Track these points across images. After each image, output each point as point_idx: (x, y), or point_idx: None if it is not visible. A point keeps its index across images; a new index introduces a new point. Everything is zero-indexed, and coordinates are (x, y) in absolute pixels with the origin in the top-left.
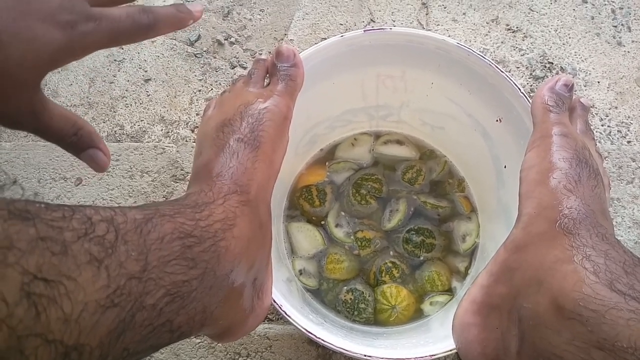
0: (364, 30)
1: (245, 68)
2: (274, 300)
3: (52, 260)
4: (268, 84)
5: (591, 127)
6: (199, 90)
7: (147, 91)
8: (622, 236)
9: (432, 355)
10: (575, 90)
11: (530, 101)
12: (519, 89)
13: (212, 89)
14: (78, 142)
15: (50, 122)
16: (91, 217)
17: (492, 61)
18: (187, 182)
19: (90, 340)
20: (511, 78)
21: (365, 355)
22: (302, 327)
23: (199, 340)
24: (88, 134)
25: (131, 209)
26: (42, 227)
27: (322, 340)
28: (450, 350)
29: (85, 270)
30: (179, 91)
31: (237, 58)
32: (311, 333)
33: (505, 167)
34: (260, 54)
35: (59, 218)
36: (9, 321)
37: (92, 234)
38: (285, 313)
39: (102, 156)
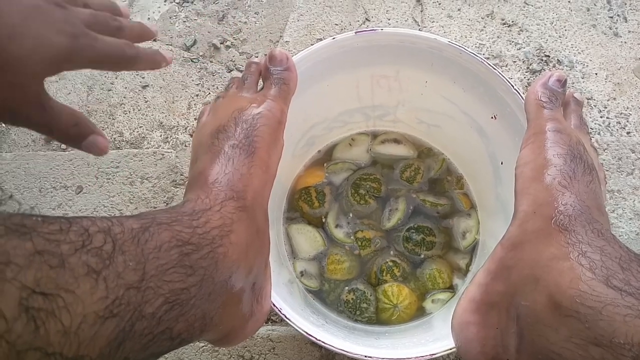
0: (356, 32)
1: (242, 71)
2: (274, 304)
3: (49, 273)
4: (261, 89)
5: (585, 121)
6: (197, 95)
7: (145, 97)
8: (623, 228)
9: (432, 354)
10: (573, 84)
11: (524, 97)
12: (512, 85)
13: (209, 93)
14: (79, 131)
15: (55, 115)
16: (88, 229)
17: (484, 59)
18: None
19: (90, 351)
20: (504, 75)
21: (365, 356)
22: (302, 329)
23: (202, 344)
24: (85, 123)
25: (128, 218)
26: (39, 240)
27: (323, 342)
28: (451, 349)
29: (83, 282)
30: (177, 96)
31: (234, 61)
32: (311, 335)
33: (502, 163)
34: (256, 57)
35: (55, 231)
36: (8, 336)
37: (90, 245)
38: (285, 316)
39: (102, 140)
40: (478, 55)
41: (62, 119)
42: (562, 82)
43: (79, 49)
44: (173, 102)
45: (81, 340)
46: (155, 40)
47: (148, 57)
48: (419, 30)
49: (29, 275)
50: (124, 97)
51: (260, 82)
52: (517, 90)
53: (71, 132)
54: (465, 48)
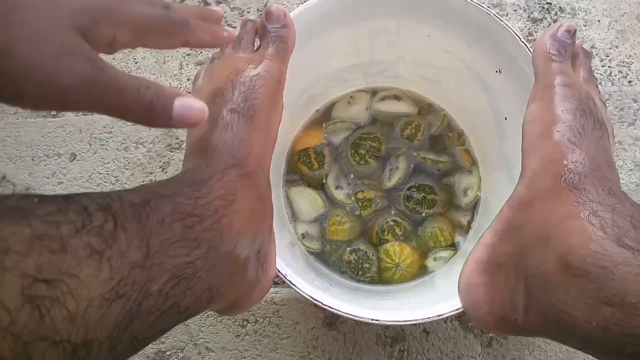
0: None
1: (234, 27)
2: (279, 270)
3: (51, 258)
4: (258, 47)
5: (594, 73)
6: (188, 55)
7: (135, 59)
8: (623, 179)
9: (439, 315)
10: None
11: (531, 50)
12: (520, 38)
13: (201, 52)
14: (160, 95)
15: (116, 72)
16: (87, 207)
17: (490, 10)
18: (183, 151)
19: (98, 334)
20: (511, 27)
21: (372, 320)
22: (308, 295)
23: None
24: (163, 87)
25: (127, 192)
26: (38, 224)
27: (329, 307)
28: (457, 310)
29: (86, 265)
30: (168, 57)
31: (225, 18)
32: (317, 300)
33: (505, 118)
34: (249, 13)
35: (54, 211)
36: (13, 328)
37: (90, 225)
38: (291, 282)
39: (196, 101)
40: (483, 5)
41: (131, 83)
42: (572, 33)
43: (112, 7)
44: (164, 63)
45: (88, 324)
46: None
47: (205, 26)
48: None
49: (30, 262)
50: (113, 59)
51: (257, 41)
52: (524, 43)
53: (148, 99)
54: None
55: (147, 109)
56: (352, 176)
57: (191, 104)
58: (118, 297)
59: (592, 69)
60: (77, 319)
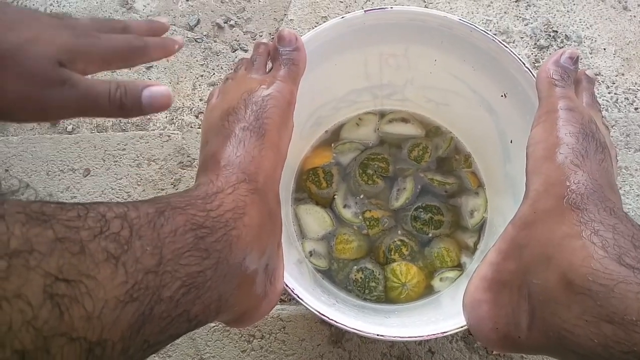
0: (365, 11)
1: (246, 51)
2: (286, 284)
3: (71, 260)
4: (270, 69)
5: (597, 98)
6: (201, 76)
7: (150, 78)
8: (630, 205)
9: (444, 332)
10: (581, 59)
11: (535, 76)
12: (524, 63)
13: (214, 74)
14: (128, 92)
15: (88, 84)
16: (105, 215)
17: (495, 36)
18: (194, 169)
19: (112, 335)
20: (515, 53)
21: (377, 335)
22: (314, 309)
23: (214, 324)
24: (131, 82)
25: (143, 203)
26: (59, 228)
27: (335, 321)
28: (462, 327)
29: (103, 268)
30: (181, 77)
31: (238, 41)
32: (324, 315)
33: (511, 141)
34: (261, 36)
35: (74, 217)
36: (35, 322)
37: (107, 231)
38: (298, 296)
39: (160, 87)
40: (489, 33)
41: (102, 87)
42: (575, 60)
43: (81, 46)
44: (178, 83)
45: (104, 324)
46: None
47: (158, 44)
48: (425, 7)
49: (52, 262)
50: (129, 79)
51: (269, 63)
52: (528, 68)
53: (118, 96)
54: (476, 26)
55: (119, 107)
56: (362, 196)
57: (156, 91)
58: (132, 300)
59: (595, 94)
60: (94, 319)
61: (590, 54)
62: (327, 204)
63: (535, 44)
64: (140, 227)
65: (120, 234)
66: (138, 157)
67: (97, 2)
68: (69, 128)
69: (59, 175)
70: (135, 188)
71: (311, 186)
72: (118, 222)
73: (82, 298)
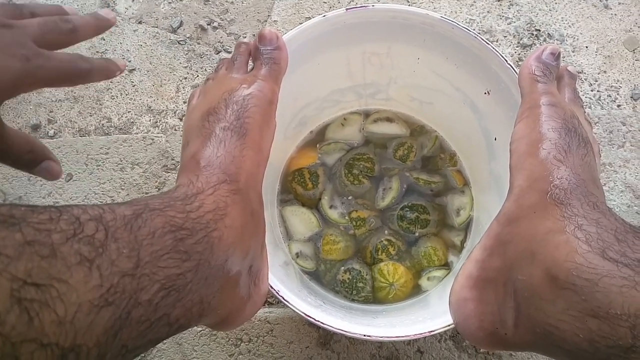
0: (347, 9)
1: (230, 52)
2: (271, 286)
3: (41, 264)
4: (252, 69)
5: (580, 94)
6: (185, 78)
7: (132, 81)
8: (614, 201)
9: (431, 331)
10: (563, 57)
11: (518, 72)
12: (506, 60)
13: (198, 76)
14: (33, 157)
15: (9, 142)
16: (79, 217)
17: (477, 33)
18: None
19: (87, 340)
20: (497, 50)
21: (364, 335)
22: (299, 310)
23: (200, 329)
24: (40, 149)
25: (120, 205)
26: (29, 231)
27: (321, 322)
28: (448, 326)
29: (76, 271)
30: (165, 80)
31: (222, 43)
32: (310, 316)
33: (495, 139)
34: (244, 37)
35: (45, 220)
36: (2, 329)
37: (81, 234)
38: (283, 298)
39: (55, 165)
40: (471, 30)
41: (18, 145)
42: (556, 56)
43: (33, 71)
44: (161, 86)
45: (77, 329)
46: (140, 22)
47: (102, 67)
48: (408, 5)
49: (20, 266)
50: (111, 82)
51: (251, 62)
52: (510, 65)
53: (25, 158)
54: (458, 23)
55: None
56: (346, 196)
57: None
58: (107, 304)
59: (578, 90)
60: (66, 324)
61: (573, 52)
62: (313, 205)
63: (518, 42)
64: (116, 230)
65: (95, 236)
66: (121, 161)
67: (77, 5)
68: (51, 132)
69: (41, 181)
70: (119, 192)
71: (297, 187)
72: (93, 225)
73: (53, 302)
